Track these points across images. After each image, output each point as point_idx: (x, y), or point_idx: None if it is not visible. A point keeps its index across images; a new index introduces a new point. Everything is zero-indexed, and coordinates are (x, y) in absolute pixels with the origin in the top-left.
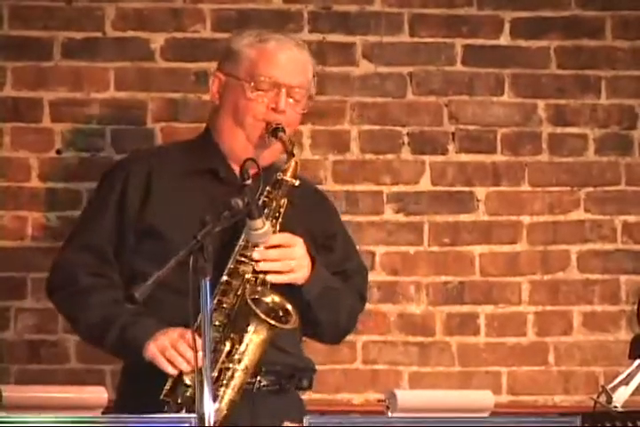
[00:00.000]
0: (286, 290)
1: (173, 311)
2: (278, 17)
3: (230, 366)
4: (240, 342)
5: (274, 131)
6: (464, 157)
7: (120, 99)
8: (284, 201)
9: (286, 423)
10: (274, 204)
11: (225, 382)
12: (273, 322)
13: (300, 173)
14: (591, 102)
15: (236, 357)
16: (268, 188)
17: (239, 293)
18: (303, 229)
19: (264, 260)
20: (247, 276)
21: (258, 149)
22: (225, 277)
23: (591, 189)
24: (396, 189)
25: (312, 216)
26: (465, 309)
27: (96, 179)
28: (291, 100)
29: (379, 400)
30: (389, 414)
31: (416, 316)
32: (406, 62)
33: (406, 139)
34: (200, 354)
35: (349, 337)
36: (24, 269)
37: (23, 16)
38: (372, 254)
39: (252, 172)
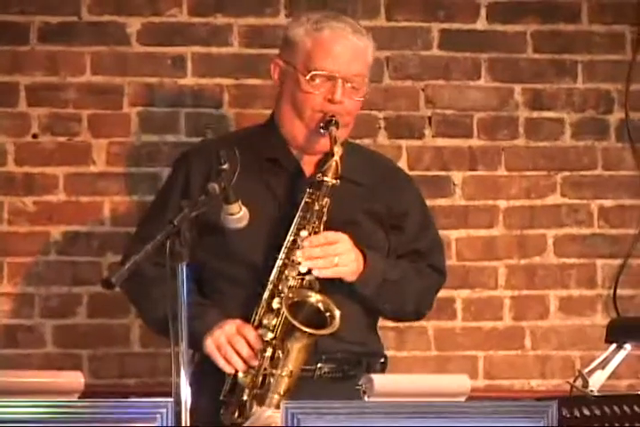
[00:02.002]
0: (345, 286)
1: (233, 303)
2: (256, 1)
3: (274, 371)
4: (282, 348)
5: (327, 123)
6: (440, 142)
7: (96, 83)
8: (326, 201)
9: (264, 408)
10: (316, 205)
11: (271, 387)
12: (308, 330)
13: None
14: (568, 87)
15: (280, 362)
16: (309, 189)
17: (284, 295)
18: (364, 211)
19: (307, 258)
20: (293, 280)
21: (317, 137)
22: (272, 280)
23: (568, 173)
24: None
25: (379, 195)
26: (441, 293)
27: (73, 163)
28: (351, 87)
29: (356, 385)
30: (366, 398)
31: None
32: (383, 47)
33: (383, 123)
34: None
35: None
36: (0, 253)
37: None
38: None
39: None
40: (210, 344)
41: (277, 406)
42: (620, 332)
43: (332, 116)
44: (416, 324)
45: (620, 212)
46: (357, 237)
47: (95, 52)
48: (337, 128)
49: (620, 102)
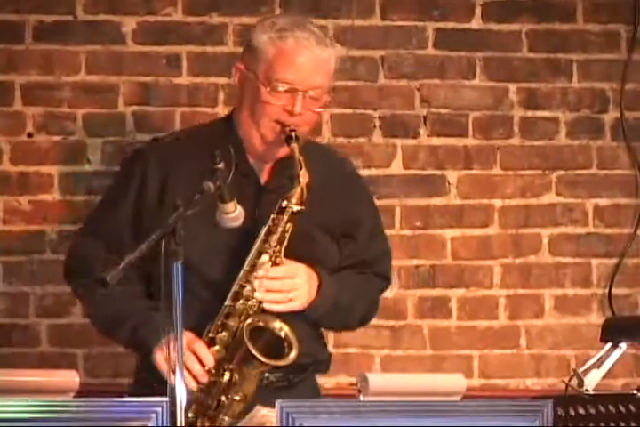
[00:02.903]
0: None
1: (184, 312)
2: (250, 0)
3: (229, 396)
4: (239, 373)
5: (287, 138)
6: (435, 141)
7: (91, 82)
8: (289, 226)
9: (258, 407)
10: (279, 230)
11: (223, 410)
12: (265, 360)
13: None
14: (562, 86)
15: (235, 387)
16: (272, 215)
17: (241, 318)
18: (316, 223)
19: (265, 291)
20: (250, 302)
21: (273, 147)
22: (228, 302)
23: (562, 172)
24: (367, 172)
25: (332, 203)
26: (436, 292)
27: (67, 162)
28: (312, 98)
29: (350, 384)
30: (361, 397)
31: (388, 299)
32: (378, 46)
33: (378, 122)
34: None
35: None
36: None
37: None
38: None
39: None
40: (159, 358)
41: None
42: (615, 331)
43: (292, 129)
44: (411, 323)
45: (615, 211)
46: (311, 252)
47: (90, 51)
48: (297, 143)
49: (615, 101)
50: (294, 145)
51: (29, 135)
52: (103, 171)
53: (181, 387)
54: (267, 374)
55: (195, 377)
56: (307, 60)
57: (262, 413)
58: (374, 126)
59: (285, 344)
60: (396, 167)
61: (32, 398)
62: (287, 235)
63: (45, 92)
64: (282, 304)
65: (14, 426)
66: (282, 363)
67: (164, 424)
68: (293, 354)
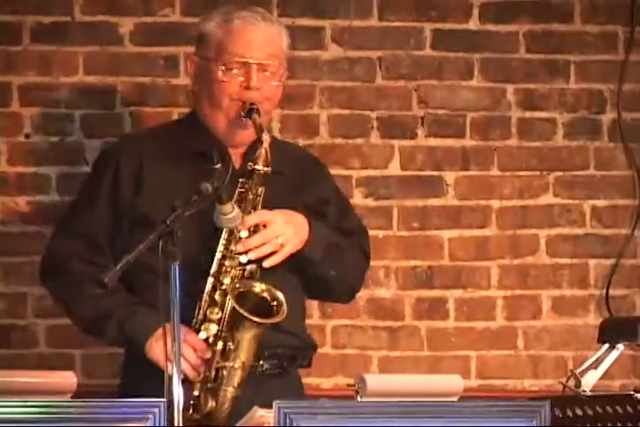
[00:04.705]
0: (284, 275)
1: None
2: (247, 1)
3: (226, 364)
4: (232, 340)
5: (248, 111)
6: (433, 142)
7: (89, 83)
8: (260, 190)
9: (256, 408)
10: (250, 194)
11: (224, 380)
12: (258, 320)
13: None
14: (560, 87)
15: (231, 355)
16: (241, 179)
17: (227, 289)
18: (295, 201)
19: (249, 250)
20: (234, 271)
21: (239, 129)
22: (213, 273)
23: (560, 173)
24: (365, 173)
25: (303, 185)
26: (434, 293)
27: (65, 163)
28: (267, 73)
29: (348, 385)
30: (359, 398)
31: (385, 300)
32: (375, 46)
33: (375, 123)
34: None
35: (318, 322)
36: None
37: None
38: None
39: (241, 150)
40: (156, 351)
41: (233, 400)
42: (612, 332)
43: (252, 104)
44: (409, 324)
45: (613, 212)
46: None
47: (88, 52)
48: (259, 116)
49: (613, 102)
50: (255, 116)
51: (27, 136)
52: None
53: (179, 388)
54: (261, 362)
55: (193, 368)
56: (255, 34)
57: (260, 413)
58: (372, 127)
59: (273, 303)
60: (394, 168)
61: (30, 398)
62: (260, 199)
63: (43, 92)
64: (277, 255)
65: None
66: (274, 320)
67: (162, 425)
68: (283, 308)
